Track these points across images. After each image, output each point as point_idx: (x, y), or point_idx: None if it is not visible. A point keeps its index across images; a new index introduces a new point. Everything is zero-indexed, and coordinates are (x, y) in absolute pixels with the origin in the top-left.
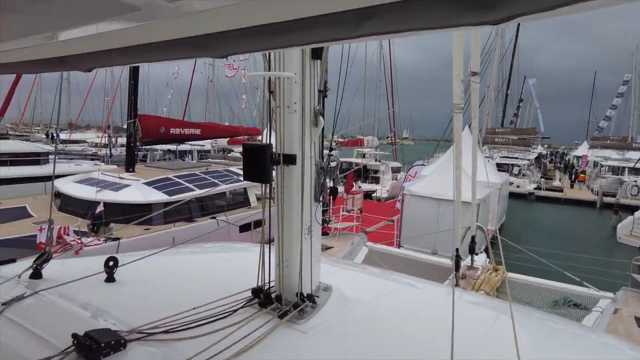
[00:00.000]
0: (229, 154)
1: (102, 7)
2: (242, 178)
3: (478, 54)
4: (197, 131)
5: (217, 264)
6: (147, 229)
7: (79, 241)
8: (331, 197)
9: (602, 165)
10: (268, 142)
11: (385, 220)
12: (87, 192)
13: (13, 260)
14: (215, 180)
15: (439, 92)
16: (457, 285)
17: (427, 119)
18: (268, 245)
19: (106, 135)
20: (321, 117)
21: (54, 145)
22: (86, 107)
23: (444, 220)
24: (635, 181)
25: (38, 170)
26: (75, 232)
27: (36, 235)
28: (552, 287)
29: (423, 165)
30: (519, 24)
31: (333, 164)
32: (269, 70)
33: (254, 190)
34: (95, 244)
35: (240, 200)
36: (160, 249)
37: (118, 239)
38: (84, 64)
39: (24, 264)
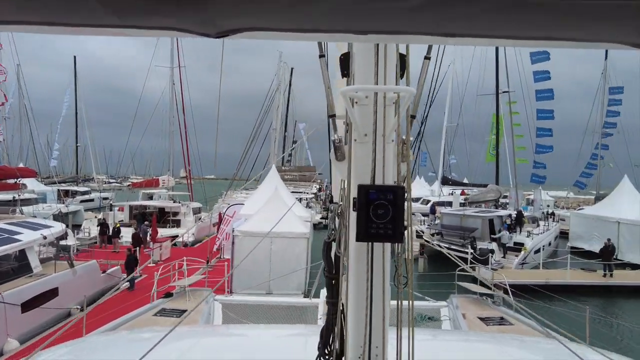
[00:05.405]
0: None
1: None
2: (20, 237)
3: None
4: None
5: None
6: None
7: None
8: (136, 247)
9: None
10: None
11: (203, 265)
12: None
13: None
14: None
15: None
16: None
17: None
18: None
19: None
20: (411, 151)
21: None
22: None
23: (276, 259)
24: None
25: None
26: None
27: None
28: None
29: (241, 204)
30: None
31: None
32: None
33: (35, 250)
34: None
35: (14, 267)
36: None
37: None
38: None
39: None
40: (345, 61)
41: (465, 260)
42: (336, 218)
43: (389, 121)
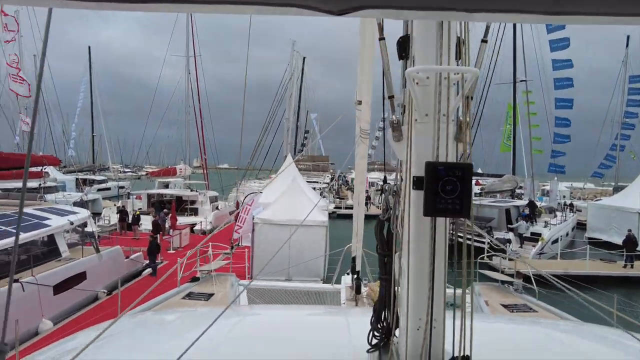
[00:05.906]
0: None
1: None
2: (49, 222)
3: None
4: None
5: None
6: None
7: None
8: (156, 234)
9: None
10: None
11: (224, 252)
12: None
13: None
14: (7, 228)
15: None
16: (357, 306)
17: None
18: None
19: None
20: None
21: None
22: None
23: (295, 246)
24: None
25: None
26: None
27: None
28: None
29: (260, 192)
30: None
31: None
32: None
33: (63, 235)
34: None
35: (44, 252)
36: None
37: None
38: None
39: None
40: (403, 43)
41: (482, 250)
42: (391, 197)
43: (451, 101)
